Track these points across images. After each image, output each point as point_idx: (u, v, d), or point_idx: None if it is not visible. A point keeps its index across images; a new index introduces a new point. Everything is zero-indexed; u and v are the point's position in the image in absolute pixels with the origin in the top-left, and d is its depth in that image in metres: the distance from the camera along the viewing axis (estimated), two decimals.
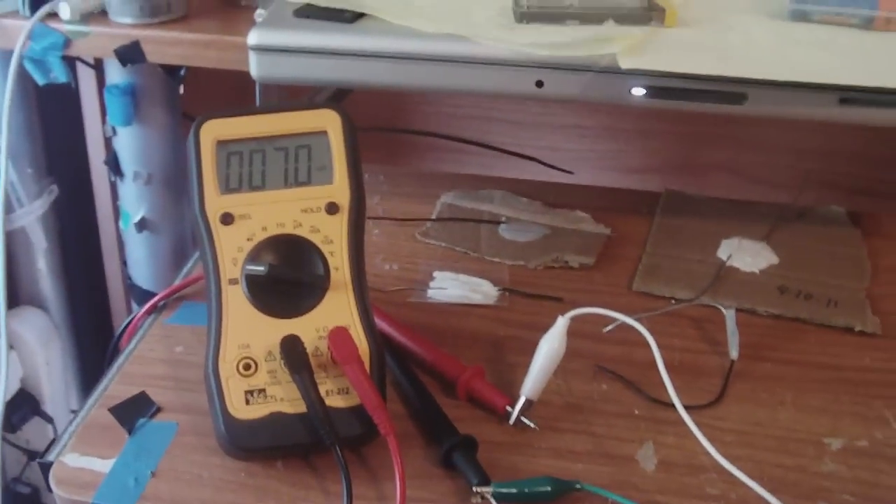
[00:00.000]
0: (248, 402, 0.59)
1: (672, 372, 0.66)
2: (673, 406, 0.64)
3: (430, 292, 0.76)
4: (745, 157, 1.11)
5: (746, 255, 0.79)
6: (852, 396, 0.67)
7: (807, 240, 0.82)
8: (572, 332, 0.67)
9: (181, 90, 1.05)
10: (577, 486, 0.58)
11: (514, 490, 0.58)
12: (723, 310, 0.71)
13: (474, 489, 0.57)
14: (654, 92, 0.69)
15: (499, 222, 0.84)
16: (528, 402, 0.63)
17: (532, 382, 0.63)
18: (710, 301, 0.73)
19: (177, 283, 0.75)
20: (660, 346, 0.68)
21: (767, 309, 0.74)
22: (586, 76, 0.69)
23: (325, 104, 0.64)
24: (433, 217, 0.85)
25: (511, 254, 0.80)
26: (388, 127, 1.07)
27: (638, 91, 0.69)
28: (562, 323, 0.64)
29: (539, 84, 0.71)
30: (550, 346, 0.63)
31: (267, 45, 0.74)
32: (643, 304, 0.74)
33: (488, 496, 0.57)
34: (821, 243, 0.82)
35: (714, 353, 0.70)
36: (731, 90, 0.68)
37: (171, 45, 0.92)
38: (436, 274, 0.77)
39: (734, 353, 0.69)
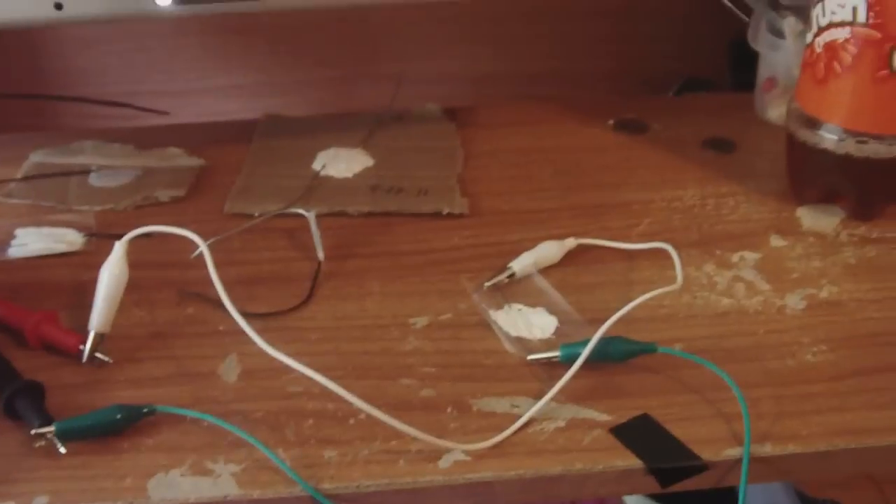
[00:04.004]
0: None
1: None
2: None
3: (11, 251, 0.71)
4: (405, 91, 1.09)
5: (341, 162, 0.79)
6: (439, 275, 0.67)
7: (403, 140, 0.83)
8: (158, 264, 0.67)
9: None
10: (146, 409, 0.55)
11: (78, 424, 0.54)
12: (305, 214, 0.69)
13: (33, 432, 0.53)
14: None
15: (89, 172, 0.80)
16: (100, 336, 0.60)
17: (99, 315, 0.60)
18: (301, 210, 0.71)
19: None
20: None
21: (357, 208, 0.73)
22: None
23: None
24: (19, 177, 0.79)
25: (101, 200, 0.76)
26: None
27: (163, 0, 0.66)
28: (118, 248, 0.61)
29: (58, 6, 0.67)
30: (110, 273, 0.60)
31: None
32: (236, 225, 0.72)
33: (51, 436, 0.53)
34: (416, 140, 0.83)
35: (304, 259, 0.69)
36: None
37: None
38: (17, 231, 0.73)
39: (320, 255, 0.67)
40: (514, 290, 0.65)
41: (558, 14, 1.04)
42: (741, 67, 0.94)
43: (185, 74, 1.05)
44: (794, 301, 0.65)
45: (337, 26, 1.03)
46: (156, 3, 0.67)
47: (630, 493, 0.56)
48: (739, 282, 0.66)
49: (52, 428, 0.53)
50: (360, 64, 1.06)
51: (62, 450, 0.53)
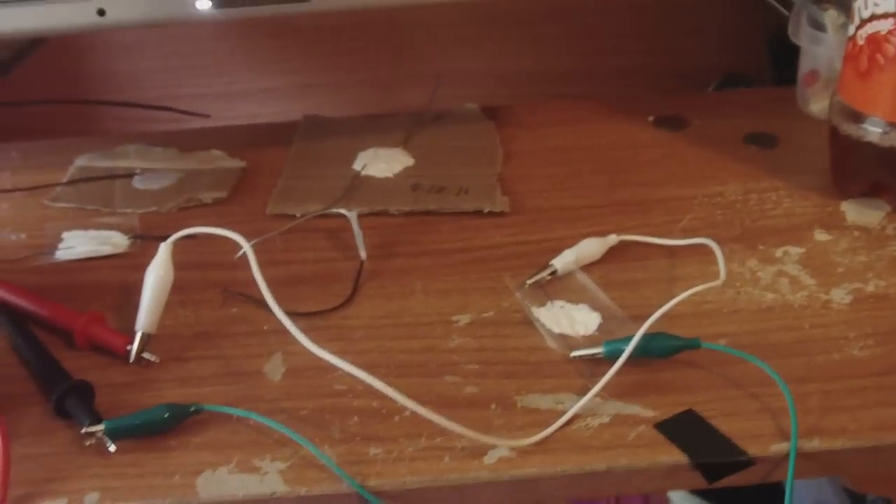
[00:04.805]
0: None
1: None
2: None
3: (58, 253, 0.72)
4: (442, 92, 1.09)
5: (381, 162, 0.79)
6: (481, 273, 0.67)
7: (442, 139, 0.83)
8: (202, 264, 0.68)
9: None
10: (193, 408, 0.55)
11: (126, 423, 0.55)
12: (347, 214, 0.70)
13: (83, 431, 0.54)
14: (219, 2, 0.67)
15: (133, 175, 0.80)
16: (146, 336, 0.61)
17: (145, 315, 0.61)
18: (343, 209, 0.72)
19: None
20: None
21: (399, 207, 0.73)
22: None
23: None
24: (64, 181, 0.81)
25: (145, 202, 0.77)
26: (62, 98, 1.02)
27: (203, 4, 0.67)
28: (163, 249, 0.61)
29: (101, 12, 0.68)
30: (156, 275, 0.61)
31: None
32: (279, 226, 0.72)
33: (101, 435, 0.54)
34: (456, 140, 0.83)
35: (347, 259, 0.69)
36: None
37: None
38: (64, 235, 0.74)
39: (363, 254, 0.68)
40: (557, 287, 0.65)
41: (597, 11, 1.04)
42: (781, 62, 0.94)
43: (224, 77, 1.06)
44: (840, 295, 0.64)
45: (374, 28, 1.03)
46: (196, 8, 0.68)
47: (675, 489, 0.55)
48: (783, 276, 0.66)
49: (101, 427, 0.54)
50: (397, 65, 1.07)
51: (112, 448, 0.54)
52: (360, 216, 0.71)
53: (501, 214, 0.73)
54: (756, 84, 1.03)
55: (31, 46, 0.90)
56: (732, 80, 1.04)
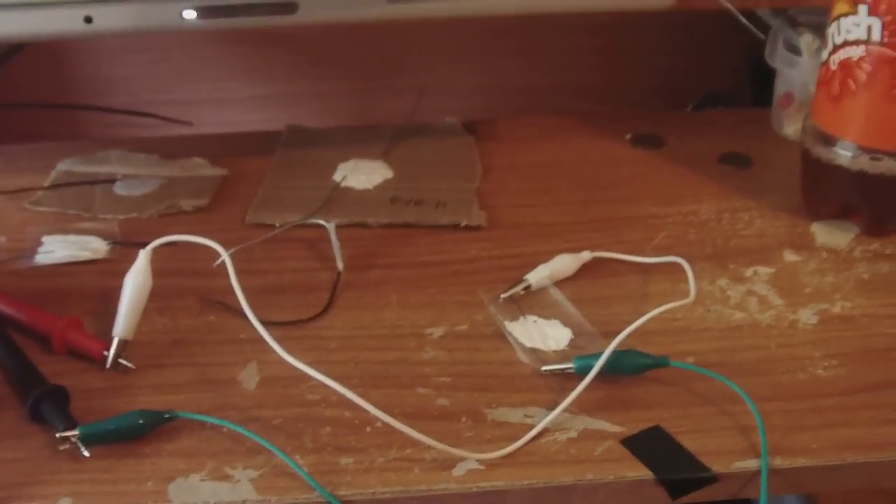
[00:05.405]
0: None
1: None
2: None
3: (38, 257, 0.72)
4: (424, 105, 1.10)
5: (361, 173, 0.80)
6: (456, 287, 0.68)
7: (422, 152, 0.84)
8: (181, 272, 0.68)
9: None
10: (167, 415, 0.56)
11: (101, 429, 0.55)
12: (325, 225, 0.71)
13: (57, 435, 0.54)
14: (205, 12, 0.68)
15: (114, 180, 0.81)
16: (123, 342, 0.61)
17: (122, 321, 0.61)
18: (321, 220, 0.72)
19: None
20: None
21: (377, 219, 0.74)
22: (135, 5, 0.67)
23: None
24: (46, 185, 0.81)
25: (125, 208, 0.78)
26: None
27: (189, 14, 0.68)
28: (142, 256, 0.62)
29: (88, 20, 0.68)
30: (135, 281, 0.62)
31: None
32: (258, 235, 0.73)
33: (75, 440, 0.54)
34: (435, 153, 0.84)
35: (324, 269, 0.70)
36: (281, 0, 0.68)
37: None
38: (44, 239, 0.74)
39: (340, 265, 0.68)
40: (530, 302, 0.66)
41: (579, 28, 1.05)
42: (761, 83, 0.95)
43: (208, 84, 1.06)
44: (807, 316, 0.65)
45: (359, 38, 1.04)
46: (181, 17, 0.69)
47: None
48: (752, 296, 0.67)
49: (76, 432, 0.55)
50: (381, 76, 1.07)
51: (86, 453, 0.54)
52: (338, 227, 0.72)
53: (478, 228, 0.74)
54: (735, 104, 1.04)
55: (14, 50, 0.90)
56: (711, 100, 1.05)
